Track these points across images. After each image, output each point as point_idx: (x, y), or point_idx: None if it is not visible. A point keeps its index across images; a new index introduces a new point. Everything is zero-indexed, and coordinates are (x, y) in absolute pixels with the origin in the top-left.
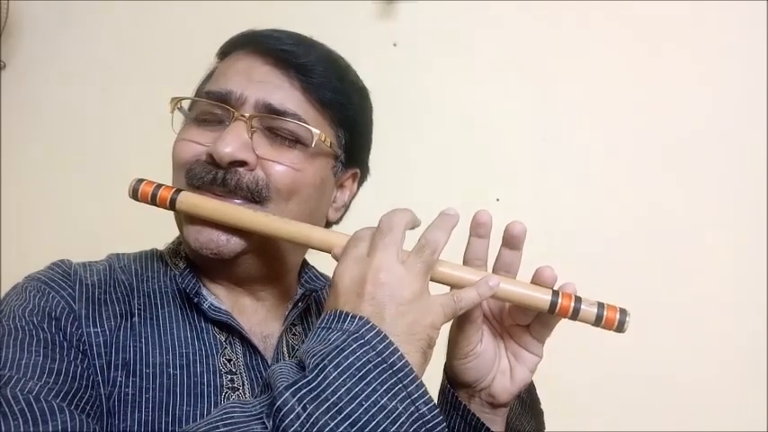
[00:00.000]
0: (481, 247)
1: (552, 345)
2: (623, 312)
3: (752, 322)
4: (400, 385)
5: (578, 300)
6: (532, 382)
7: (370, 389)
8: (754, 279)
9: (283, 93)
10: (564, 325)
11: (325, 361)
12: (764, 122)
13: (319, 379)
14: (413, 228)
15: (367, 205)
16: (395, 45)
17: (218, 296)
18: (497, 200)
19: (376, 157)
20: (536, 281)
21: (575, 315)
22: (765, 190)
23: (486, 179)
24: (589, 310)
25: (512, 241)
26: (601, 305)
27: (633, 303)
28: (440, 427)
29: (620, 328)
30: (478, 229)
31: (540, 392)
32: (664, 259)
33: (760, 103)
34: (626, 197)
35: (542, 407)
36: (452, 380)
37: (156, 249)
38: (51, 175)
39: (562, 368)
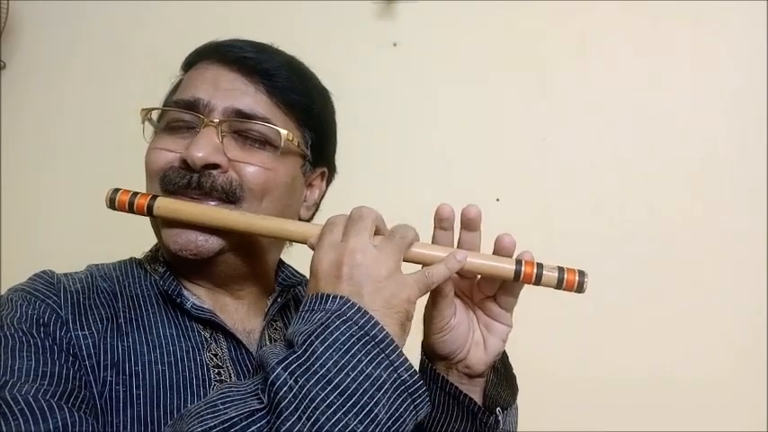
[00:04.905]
0: (445, 238)
1: (553, 345)
2: (582, 274)
3: (752, 322)
4: (383, 355)
5: (540, 266)
6: (505, 350)
7: (355, 360)
8: (754, 279)
9: (250, 98)
10: (563, 325)
11: (312, 337)
12: (764, 121)
13: (308, 354)
14: (377, 230)
15: (368, 204)
16: (395, 45)
17: (199, 297)
18: (497, 200)
19: (376, 157)
20: (498, 247)
21: (538, 280)
22: (765, 189)
23: (486, 179)
24: (550, 274)
25: (469, 224)
26: (561, 269)
27: (633, 302)
28: (421, 391)
29: (580, 288)
30: (442, 223)
31: (540, 392)
32: (664, 258)
33: (760, 103)
34: (626, 196)
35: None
36: (430, 355)
37: (134, 258)
38: (51, 176)
39: (562, 368)
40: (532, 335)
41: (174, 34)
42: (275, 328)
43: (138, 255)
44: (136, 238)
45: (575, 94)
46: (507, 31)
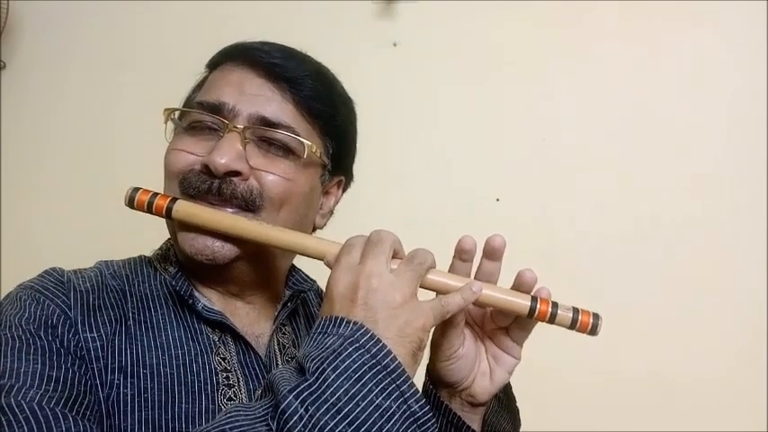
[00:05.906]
0: (464, 269)
1: (553, 345)
2: (596, 317)
3: (752, 322)
4: (393, 385)
5: (555, 305)
6: (509, 382)
7: (366, 389)
8: (754, 279)
9: (276, 105)
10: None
11: (324, 364)
12: (764, 121)
13: (319, 382)
14: (395, 254)
15: (369, 204)
16: (395, 45)
17: (209, 299)
18: (497, 200)
19: (376, 158)
20: (518, 282)
21: (552, 319)
22: (765, 189)
23: (486, 179)
24: (565, 314)
25: (492, 253)
26: (576, 310)
27: (632, 303)
28: (429, 423)
29: (593, 331)
30: (463, 255)
31: (540, 392)
32: (664, 258)
33: (760, 103)
34: (626, 197)
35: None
36: (435, 381)
37: (144, 255)
38: (51, 176)
39: (562, 368)
40: (532, 334)
41: (173, 34)
42: (284, 333)
43: (141, 253)
44: (136, 238)
45: (575, 95)
46: (507, 31)
